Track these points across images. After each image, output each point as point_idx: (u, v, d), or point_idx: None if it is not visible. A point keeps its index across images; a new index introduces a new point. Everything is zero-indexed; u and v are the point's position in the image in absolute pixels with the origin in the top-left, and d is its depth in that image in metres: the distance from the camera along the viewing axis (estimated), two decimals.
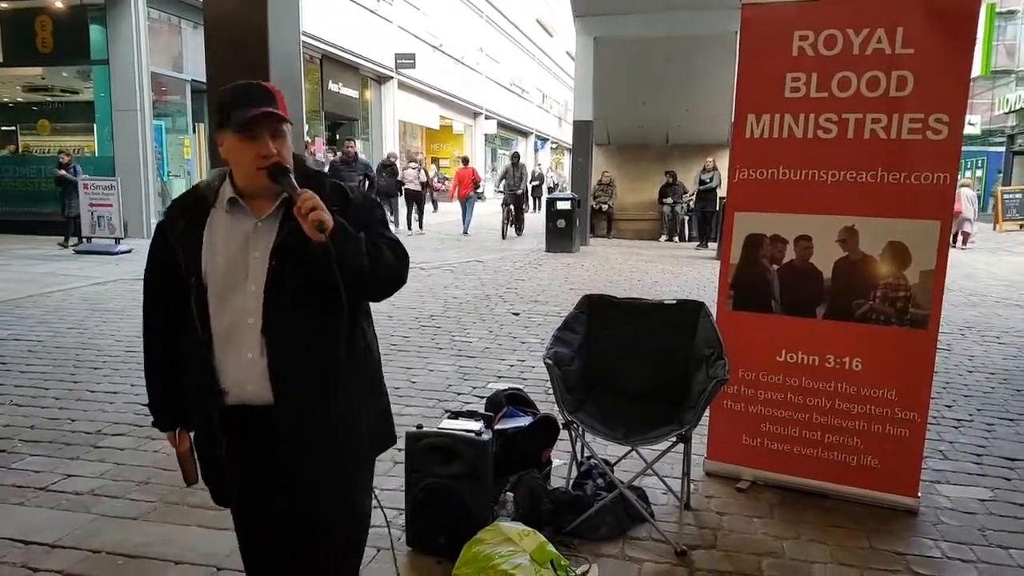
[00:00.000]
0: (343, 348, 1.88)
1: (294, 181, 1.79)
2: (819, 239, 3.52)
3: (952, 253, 12.57)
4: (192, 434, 2.04)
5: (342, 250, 1.75)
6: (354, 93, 23.47)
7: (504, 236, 17.23)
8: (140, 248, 12.50)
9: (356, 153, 16.31)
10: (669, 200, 17.95)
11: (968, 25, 3.23)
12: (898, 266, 3.39)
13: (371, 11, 23.58)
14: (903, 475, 3.51)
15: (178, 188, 16.06)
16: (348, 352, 1.90)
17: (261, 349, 1.81)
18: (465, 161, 20.89)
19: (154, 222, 14.52)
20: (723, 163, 13.76)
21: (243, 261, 1.83)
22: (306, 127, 19.95)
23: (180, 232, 1.88)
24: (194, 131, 16.16)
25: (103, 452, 4.02)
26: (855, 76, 3.35)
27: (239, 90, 1.85)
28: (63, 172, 13.01)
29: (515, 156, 18.68)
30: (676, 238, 17.94)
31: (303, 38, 19.72)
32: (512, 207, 17.95)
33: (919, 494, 3.53)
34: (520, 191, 18.49)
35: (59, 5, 14.56)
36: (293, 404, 1.84)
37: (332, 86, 21.94)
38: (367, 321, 2.02)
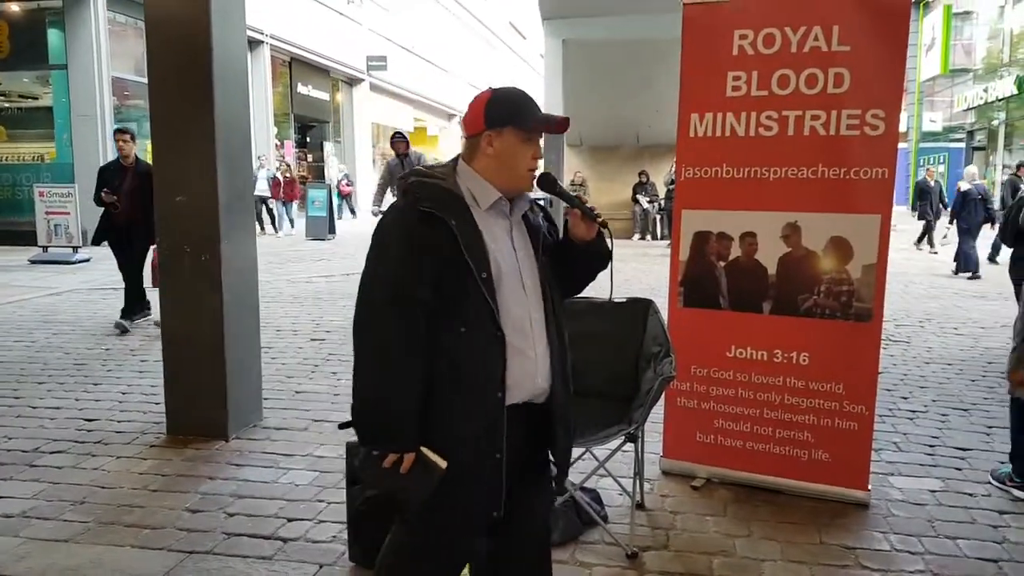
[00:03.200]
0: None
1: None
2: (763, 235, 3.51)
3: (913, 248, 12.60)
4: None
5: (605, 241, 1.99)
6: (324, 95, 23.33)
7: None
8: (99, 257, 12.28)
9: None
10: (642, 199, 18.08)
11: (900, 22, 3.25)
12: (841, 261, 3.39)
13: (340, 13, 23.44)
14: (853, 469, 3.51)
15: None
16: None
17: (545, 344, 1.90)
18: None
19: None
20: None
21: (512, 258, 1.88)
22: (274, 130, 19.82)
23: (459, 228, 1.79)
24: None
25: (39, 471, 3.86)
26: (794, 74, 3.36)
27: (522, 93, 1.93)
28: None
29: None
30: (648, 236, 18.05)
31: (271, 41, 19.66)
32: None
33: (870, 487, 3.54)
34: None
35: (15, 9, 14.31)
36: (561, 395, 1.95)
37: (301, 88, 21.81)
38: None
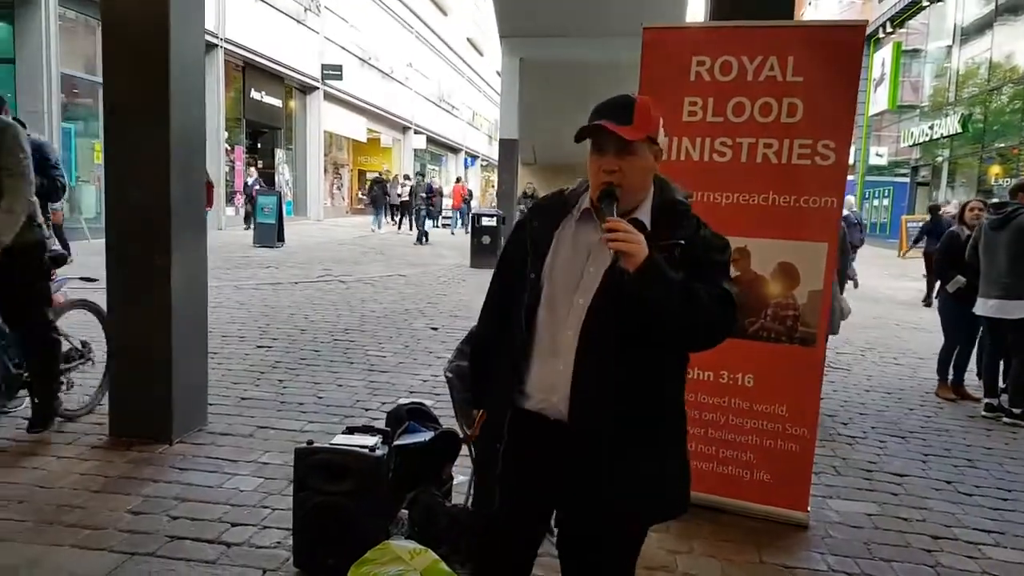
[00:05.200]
0: (652, 386, 1.85)
1: (613, 206, 1.76)
2: None
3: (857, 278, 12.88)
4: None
5: (646, 287, 1.69)
6: (277, 102, 23.11)
7: None
8: None
9: None
10: None
11: (852, 57, 3.37)
12: (788, 286, 3.50)
13: (298, 21, 23.30)
14: (793, 490, 3.60)
15: (87, 194, 15.42)
16: (656, 393, 1.86)
17: (571, 363, 1.81)
18: (459, 180, 28.76)
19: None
20: None
21: (578, 272, 1.83)
22: (225, 135, 19.50)
23: (535, 230, 1.92)
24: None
25: None
26: (749, 102, 3.45)
27: (601, 103, 1.85)
28: None
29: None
30: None
31: (225, 45, 19.38)
32: None
33: (809, 509, 3.63)
34: None
35: None
36: (584, 427, 1.81)
37: (255, 94, 21.57)
38: (681, 368, 1.97)
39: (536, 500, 1.97)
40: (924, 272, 12.93)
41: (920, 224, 14.47)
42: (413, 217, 21.40)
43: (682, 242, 1.78)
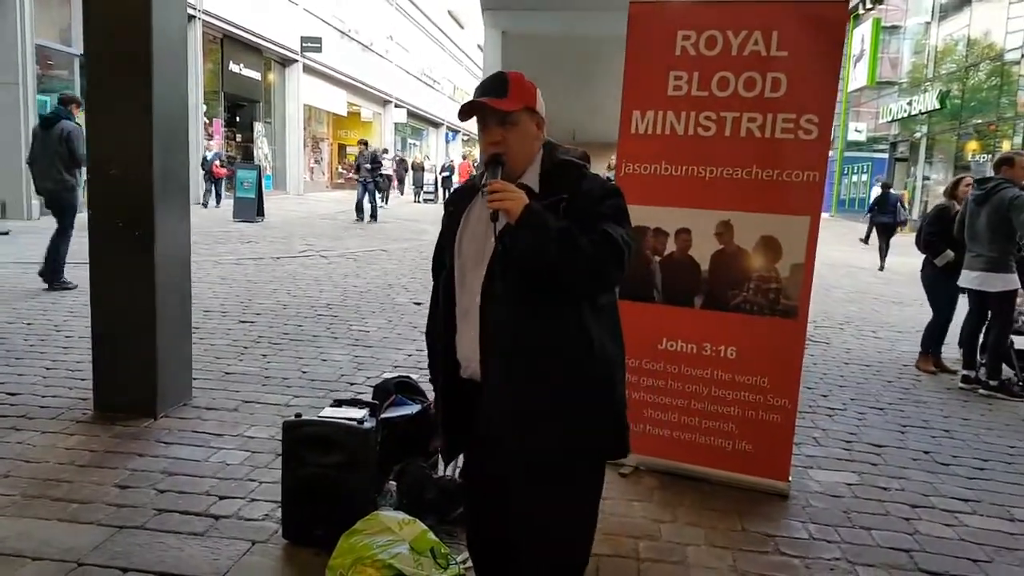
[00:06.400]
0: (554, 337, 1.89)
1: (498, 171, 1.89)
2: (698, 232, 3.63)
3: (836, 252, 13.11)
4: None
5: (526, 236, 1.79)
6: (256, 75, 22.79)
7: None
8: (19, 229, 11.73)
9: None
10: None
11: (836, 32, 3.39)
12: (770, 259, 3.53)
13: None
14: (775, 460, 3.66)
15: None
16: (558, 343, 1.90)
17: (478, 329, 1.93)
18: (464, 156, 30.27)
19: (35, 203, 13.67)
20: None
21: (483, 245, 1.94)
22: (203, 108, 19.20)
23: (450, 214, 2.07)
24: (84, 108, 15.22)
25: None
26: (733, 76, 3.47)
27: (480, 83, 1.98)
28: None
29: None
30: None
31: (203, 16, 19.01)
32: None
33: (790, 478, 3.69)
34: None
35: None
36: (496, 384, 1.91)
37: (233, 67, 21.25)
38: (594, 317, 1.95)
39: (481, 455, 2.11)
40: (877, 242, 14.82)
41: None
42: (361, 191, 18.17)
43: (565, 196, 1.88)
